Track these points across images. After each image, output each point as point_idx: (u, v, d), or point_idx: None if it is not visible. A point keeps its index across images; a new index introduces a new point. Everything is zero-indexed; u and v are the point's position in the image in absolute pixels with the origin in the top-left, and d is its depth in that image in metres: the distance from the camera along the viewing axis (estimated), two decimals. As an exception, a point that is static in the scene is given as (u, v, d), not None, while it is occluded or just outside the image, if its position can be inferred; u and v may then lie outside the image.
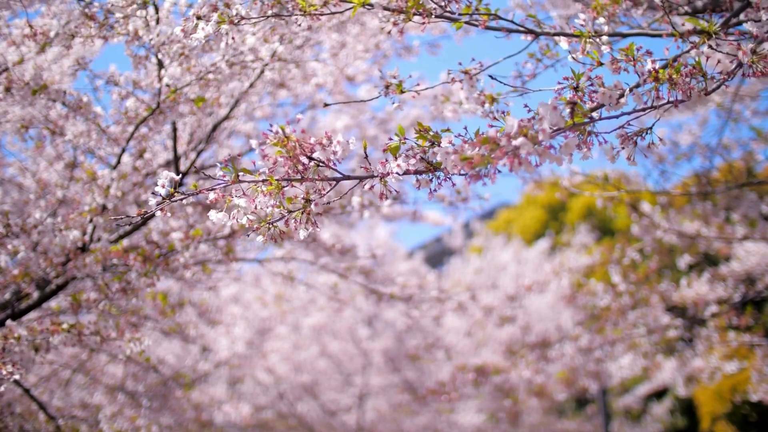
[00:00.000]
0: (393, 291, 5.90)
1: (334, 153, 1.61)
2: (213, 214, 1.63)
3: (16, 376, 2.66)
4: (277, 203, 1.61)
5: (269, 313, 9.27)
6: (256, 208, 1.60)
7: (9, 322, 2.86)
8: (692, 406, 12.39)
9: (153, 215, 3.96)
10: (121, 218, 1.68)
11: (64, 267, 3.52)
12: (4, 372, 2.65)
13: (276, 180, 1.58)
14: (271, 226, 1.64)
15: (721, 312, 7.07)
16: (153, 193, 1.62)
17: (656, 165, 6.45)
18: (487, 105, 2.26)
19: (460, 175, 1.39)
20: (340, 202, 4.47)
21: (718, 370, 7.99)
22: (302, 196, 1.63)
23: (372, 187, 1.66)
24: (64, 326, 2.97)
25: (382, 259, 7.29)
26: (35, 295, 3.71)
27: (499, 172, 1.40)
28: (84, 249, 3.60)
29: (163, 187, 1.62)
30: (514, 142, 1.31)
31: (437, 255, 19.89)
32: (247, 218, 1.62)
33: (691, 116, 6.55)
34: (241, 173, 1.59)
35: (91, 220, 3.61)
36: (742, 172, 6.15)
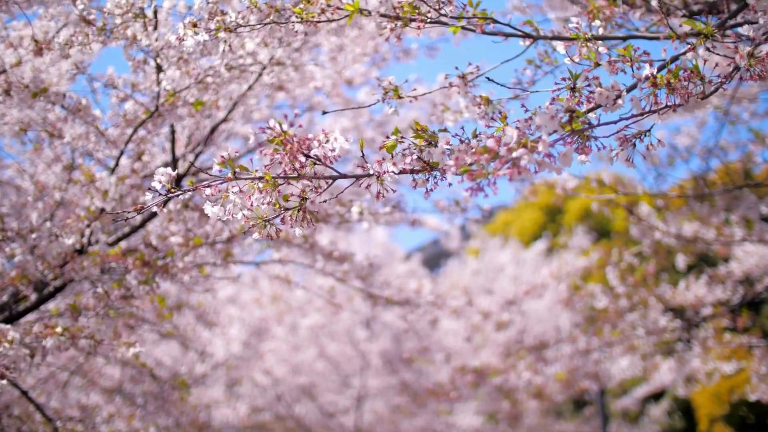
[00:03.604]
0: (389, 294, 5.91)
1: (332, 150, 1.61)
2: (209, 208, 1.63)
3: (4, 382, 2.65)
4: (273, 201, 1.61)
5: (266, 313, 9.27)
6: (251, 205, 1.60)
7: (1, 325, 2.85)
8: (690, 408, 12.40)
9: (152, 217, 3.98)
10: (121, 214, 1.67)
11: (62, 269, 3.52)
12: (-2, 375, 2.65)
13: (272, 177, 1.58)
14: (267, 223, 1.63)
15: (716, 314, 7.08)
16: (150, 189, 1.61)
17: (651, 168, 6.45)
18: (483, 106, 2.26)
19: (465, 189, 1.37)
20: (339, 210, 4.47)
21: (716, 371, 8.00)
22: (298, 194, 1.62)
23: (369, 186, 1.66)
24: (58, 330, 2.96)
25: (379, 263, 7.29)
26: (33, 297, 3.71)
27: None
28: (82, 251, 3.60)
29: (161, 183, 1.61)
30: (514, 154, 1.30)
31: (435, 257, 19.89)
32: (243, 215, 1.61)
33: (689, 118, 6.55)
34: (238, 170, 1.60)
35: (89, 225, 3.61)
36: (740, 174, 6.16)
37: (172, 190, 1.60)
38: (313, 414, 9.67)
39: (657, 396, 12.81)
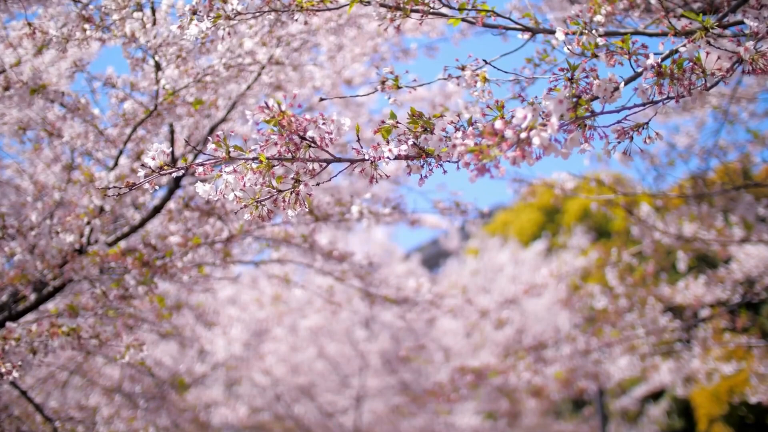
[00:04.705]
0: (388, 293, 5.90)
1: (328, 133, 1.60)
2: (200, 187, 1.61)
3: (15, 374, 2.66)
4: (267, 182, 1.59)
5: (266, 314, 9.28)
6: (245, 185, 1.58)
7: (8, 323, 2.85)
8: (689, 408, 12.39)
9: (151, 216, 3.97)
10: (114, 188, 1.64)
11: (61, 269, 3.52)
12: (3, 370, 2.65)
13: (266, 158, 1.56)
14: (259, 204, 1.62)
15: (715, 314, 7.07)
16: (142, 165, 1.60)
17: (650, 168, 6.44)
18: (479, 83, 2.23)
19: (469, 170, 1.34)
20: (339, 210, 4.47)
21: (715, 372, 7.99)
22: (293, 175, 1.61)
23: (363, 170, 1.65)
24: (64, 329, 2.96)
25: (378, 262, 7.29)
26: (32, 297, 3.71)
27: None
28: (81, 251, 3.60)
29: (153, 159, 1.60)
30: (523, 135, 1.28)
31: (434, 257, 19.91)
32: (235, 195, 1.59)
33: (688, 118, 6.55)
34: (232, 149, 1.59)
35: (88, 222, 3.61)
36: (739, 174, 6.16)
37: (166, 167, 1.59)
38: (312, 414, 9.68)
39: (656, 396, 12.81)
